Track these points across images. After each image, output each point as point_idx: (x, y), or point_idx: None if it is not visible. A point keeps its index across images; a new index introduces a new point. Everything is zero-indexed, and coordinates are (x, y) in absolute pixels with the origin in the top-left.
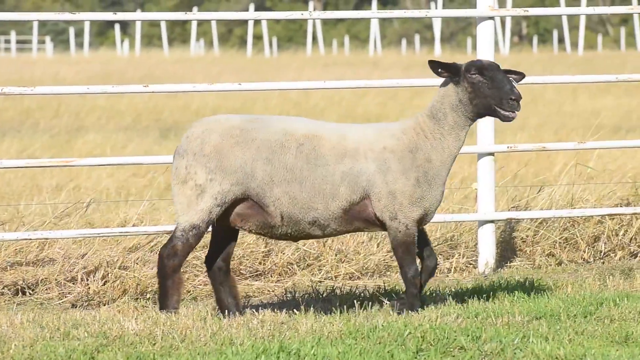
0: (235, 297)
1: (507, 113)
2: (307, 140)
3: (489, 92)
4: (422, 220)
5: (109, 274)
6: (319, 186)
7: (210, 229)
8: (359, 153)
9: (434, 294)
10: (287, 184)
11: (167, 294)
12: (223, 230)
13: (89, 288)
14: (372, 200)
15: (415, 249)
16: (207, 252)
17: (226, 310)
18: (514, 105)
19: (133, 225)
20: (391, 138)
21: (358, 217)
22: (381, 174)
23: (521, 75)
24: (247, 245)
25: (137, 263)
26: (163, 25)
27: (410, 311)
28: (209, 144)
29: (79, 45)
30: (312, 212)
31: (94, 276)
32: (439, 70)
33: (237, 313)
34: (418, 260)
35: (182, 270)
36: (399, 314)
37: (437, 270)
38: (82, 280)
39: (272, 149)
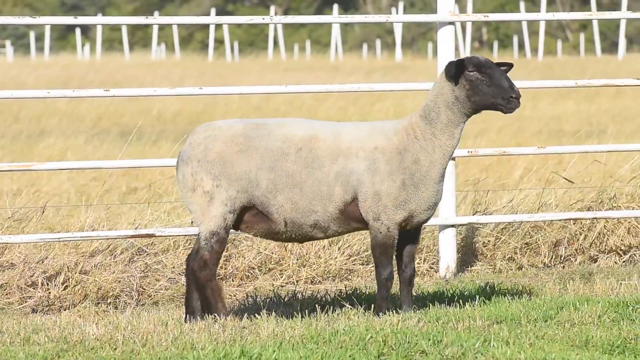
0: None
1: (507, 108)
2: (305, 144)
3: (488, 89)
4: (408, 222)
5: (70, 279)
6: (317, 188)
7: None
8: (352, 152)
9: (395, 299)
10: (289, 190)
11: (210, 303)
12: None
13: (50, 293)
14: (359, 199)
15: (393, 251)
16: (190, 251)
17: (190, 315)
18: (514, 102)
19: (93, 230)
20: (383, 138)
21: (353, 217)
22: (370, 173)
23: (510, 66)
24: None
25: (97, 267)
26: (124, 30)
27: (377, 313)
28: (212, 151)
29: (40, 49)
30: (313, 215)
31: (54, 281)
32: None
33: (200, 318)
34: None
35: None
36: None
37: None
38: (42, 285)
39: (274, 157)
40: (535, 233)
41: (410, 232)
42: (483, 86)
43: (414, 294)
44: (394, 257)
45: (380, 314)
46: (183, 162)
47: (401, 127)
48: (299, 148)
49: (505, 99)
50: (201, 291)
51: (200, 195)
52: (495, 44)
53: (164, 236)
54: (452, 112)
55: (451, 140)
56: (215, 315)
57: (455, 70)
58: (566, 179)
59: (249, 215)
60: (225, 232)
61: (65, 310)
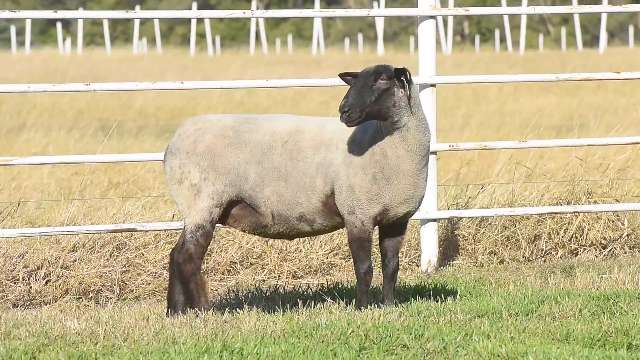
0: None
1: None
2: (291, 136)
3: None
4: (384, 216)
5: (51, 273)
6: (301, 180)
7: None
8: (332, 144)
9: (376, 293)
10: (275, 183)
11: (193, 297)
12: None
13: (31, 287)
14: (335, 192)
15: (370, 245)
16: (175, 245)
17: (172, 308)
18: (342, 117)
19: (74, 224)
20: (360, 131)
21: (335, 211)
22: (345, 166)
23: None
24: None
25: (78, 262)
26: (105, 24)
27: (358, 307)
28: (202, 143)
29: (21, 43)
30: (298, 207)
31: (35, 275)
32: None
33: (182, 312)
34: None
35: (202, 271)
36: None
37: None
38: (23, 280)
39: (262, 151)
40: (514, 226)
41: (394, 227)
42: None
43: (396, 288)
44: (379, 251)
45: (362, 308)
46: (171, 153)
47: (376, 121)
48: (285, 141)
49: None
50: (185, 285)
51: (187, 187)
52: (477, 38)
53: (146, 231)
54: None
55: (403, 142)
56: (198, 309)
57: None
58: (528, 167)
59: (236, 210)
60: (211, 226)
61: (46, 305)
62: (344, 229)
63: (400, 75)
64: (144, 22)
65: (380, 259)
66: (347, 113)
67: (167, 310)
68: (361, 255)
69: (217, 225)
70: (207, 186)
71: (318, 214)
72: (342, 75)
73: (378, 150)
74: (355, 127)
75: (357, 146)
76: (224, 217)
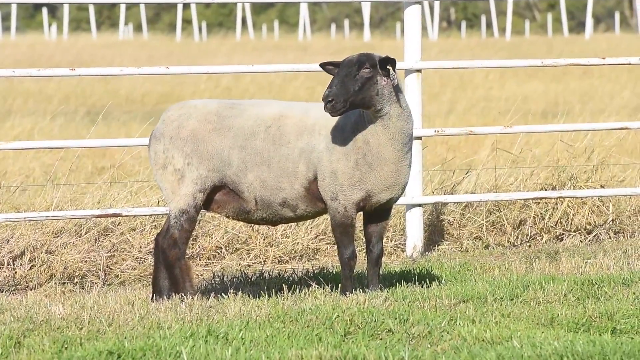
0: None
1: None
2: (274, 121)
3: None
4: (367, 202)
5: (36, 259)
6: (284, 165)
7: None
8: (315, 129)
9: (362, 278)
10: (257, 168)
11: (178, 282)
12: None
13: (16, 272)
14: (318, 178)
15: (353, 231)
16: (160, 230)
17: (157, 293)
18: (326, 107)
19: (59, 209)
20: (344, 117)
21: (318, 197)
22: (328, 152)
23: (391, 60)
24: None
25: (63, 247)
26: (91, 9)
27: (343, 292)
28: (185, 128)
29: (6, 29)
30: (281, 192)
31: (20, 260)
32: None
33: (167, 298)
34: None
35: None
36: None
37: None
38: (8, 265)
39: (245, 136)
40: (499, 211)
41: (378, 213)
42: None
43: (381, 273)
44: (364, 236)
45: (346, 293)
46: (155, 138)
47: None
48: (268, 126)
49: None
50: (170, 270)
51: (171, 173)
52: (463, 24)
53: (131, 216)
54: None
55: (385, 129)
56: (183, 294)
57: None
58: (510, 152)
59: (220, 195)
60: (195, 211)
61: (31, 290)
62: (328, 214)
63: (386, 64)
64: (130, 7)
65: (365, 244)
66: (332, 103)
67: (152, 296)
68: (344, 240)
69: (201, 211)
70: (191, 171)
71: (301, 200)
72: (324, 65)
73: (360, 137)
74: None
75: (339, 132)
76: (208, 202)
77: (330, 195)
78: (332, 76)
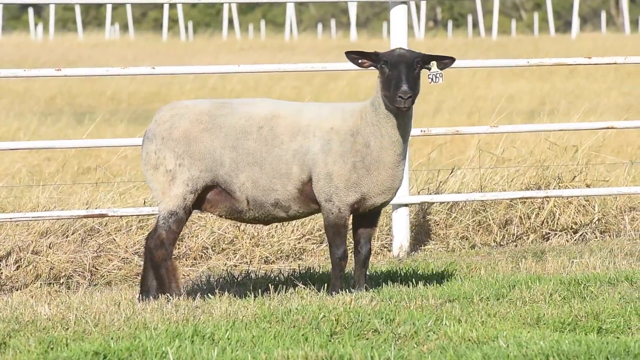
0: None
1: (397, 107)
2: (266, 122)
3: (388, 85)
4: (361, 205)
5: (22, 259)
6: (276, 166)
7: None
8: (309, 131)
9: (348, 278)
10: (249, 168)
11: (164, 282)
12: None
13: (1, 273)
14: (313, 179)
15: (346, 232)
16: (150, 230)
17: (144, 293)
18: (399, 101)
19: (45, 210)
20: (340, 119)
21: (312, 198)
22: (323, 154)
23: (451, 60)
24: None
25: (49, 248)
26: (77, 9)
27: (331, 292)
28: (177, 129)
29: None
30: (273, 193)
31: (6, 261)
32: (359, 61)
33: (153, 298)
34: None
35: (172, 256)
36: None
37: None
38: None
39: (236, 136)
40: (485, 211)
41: (368, 214)
42: (387, 81)
43: (368, 273)
44: (352, 237)
45: (334, 293)
46: (148, 139)
47: (357, 109)
48: (260, 126)
49: (395, 96)
50: (156, 270)
51: (162, 174)
52: (450, 24)
53: (117, 216)
54: (385, 103)
55: (394, 130)
56: (169, 295)
57: (368, 61)
58: (492, 154)
59: (212, 194)
60: (184, 212)
61: (17, 290)
62: (322, 214)
63: (429, 62)
64: (116, 7)
65: (353, 245)
66: (412, 99)
67: (139, 295)
68: (337, 240)
69: (195, 210)
70: (183, 172)
71: (293, 201)
72: (349, 53)
73: (360, 140)
74: (332, 114)
75: (335, 134)
76: (201, 202)
77: (324, 196)
78: (357, 65)
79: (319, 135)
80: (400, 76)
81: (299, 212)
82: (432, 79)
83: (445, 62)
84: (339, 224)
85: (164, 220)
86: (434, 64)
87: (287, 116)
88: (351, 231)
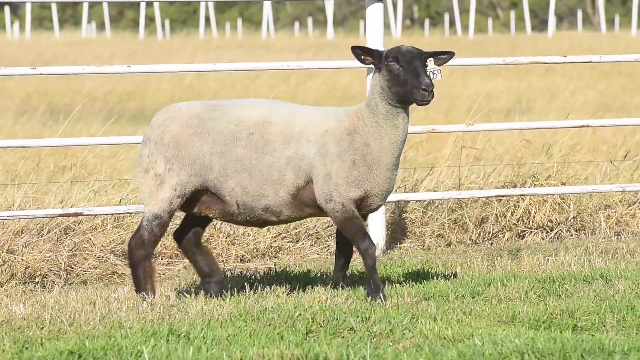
0: (212, 263)
1: (419, 100)
2: (257, 128)
3: (403, 80)
4: (363, 204)
5: None
6: (267, 173)
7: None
8: (303, 137)
9: (324, 276)
10: (238, 175)
11: (139, 282)
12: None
13: None
14: (314, 183)
15: (360, 221)
16: (177, 227)
17: (207, 278)
18: (424, 95)
19: (21, 209)
20: (334, 121)
21: (307, 203)
22: (320, 157)
23: (450, 54)
24: None
25: (25, 247)
26: (54, 7)
27: (371, 284)
28: (168, 134)
29: None
30: (263, 199)
31: None
32: (362, 57)
33: (217, 279)
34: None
35: (152, 258)
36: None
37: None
38: None
39: (225, 142)
40: (461, 209)
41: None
42: (399, 77)
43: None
44: (336, 238)
45: (373, 284)
46: (143, 143)
47: (353, 110)
48: (250, 132)
49: (416, 90)
50: (134, 269)
51: (152, 177)
52: (427, 22)
53: (92, 215)
54: (385, 102)
55: (395, 130)
56: (143, 294)
57: (370, 58)
58: (476, 149)
59: (206, 197)
60: (168, 216)
61: None
62: (330, 218)
63: (427, 59)
64: (92, 5)
65: (335, 246)
66: (433, 92)
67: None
68: (356, 235)
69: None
70: (172, 177)
71: (285, 206)
72: (355, 48)
73: (359, 139)
74: (325, 118)
75: (331, 136)
76: (195, 203)
77: (324, 197)
78: (359, 61)
79: (313, 140)
80: (417, 70)
81: (291, 216)
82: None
83: (443, 57)
84: (348, 217)
85: (148, 222)
86: (431, 60)
87: (279, 123)
88: (336, 234)
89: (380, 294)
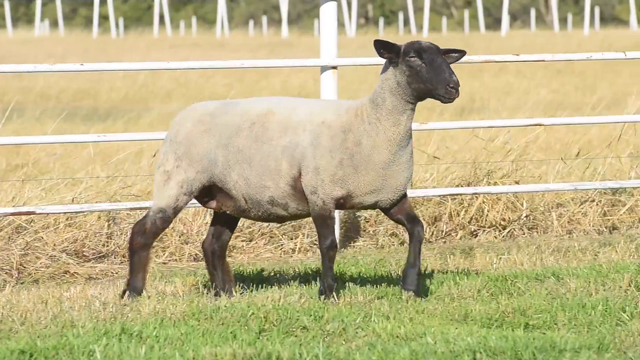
0: (228, 280)
1: (445, 98)
2: (259, 118)
3: (427, 77)
4: (347, 202)
5: None
6: (265, 163)
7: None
8: (300, 126)
9: (277, 275)
10: (239, 166)
11: (133, 269)
12: (223, 217)
13: None
14: (302, 173)
15: (332, 223)
16: (204, 237)
17: (221, 290)
18: (451, 92)
19: None
20: (333, 114)
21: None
22: (312, 148)
23: (462, 53)
24: (90, 226)
25: None
26: (7, 5)
27: (324, 283)
28: (182, 132)
29: None
30: (266, 190)
31: None
32: (381, 50)
33: (230, 292)
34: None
35: (150, 250)
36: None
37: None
38: None
39: (229, 134)
40: (416, 208)
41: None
42: (422, 73)
43: (297, 270)
44: (397, 225)
45: (326, 284)
46: (164, 142)
47: (353, 106)
48: (252, 122)
49: (442, 88)
50: (131, 255)
51: (161, 173)
52: (381, 21)
53: (45, 214)
54: (395, 98)
55: (396, 127)
56: (132, 283)
57: (388, 53)
58: (427, 154)
59: (220, 194)
60: (173, 212)
61: None
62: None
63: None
64: (46, 3)
65: (405, 231)
66: (459, 90)
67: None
68: (324, 231)
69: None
70: (179, 174)
71: (289, 198)
72: (378, 41)
73: (351, 137)
74: (325, 109)
75: (327, 128)
76: (210, 200)
77: (310, 189)
78: (379, 55)
79: (309, 129)
80: (443, 67)
81: (299, 209)
82: None
83: (454, 55)
84: (324, 215)
85: (153, 214)
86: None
87: (280, 112)
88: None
89: (332, 294)
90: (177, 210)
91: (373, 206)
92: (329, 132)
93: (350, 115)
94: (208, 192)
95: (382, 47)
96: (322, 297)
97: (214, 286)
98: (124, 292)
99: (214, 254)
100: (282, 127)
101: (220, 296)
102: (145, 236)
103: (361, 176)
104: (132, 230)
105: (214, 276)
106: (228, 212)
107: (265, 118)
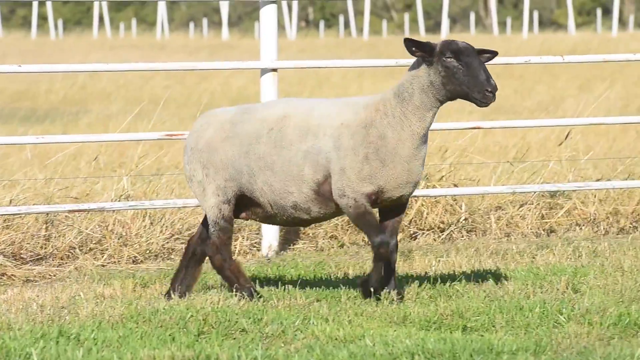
0: (188, 285)
1: (481, 102)
2: (277, 123)
3: (464, 79)
4: (379, 197)
5: None
6: (287, 169)
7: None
8: (320, 130)
9: (215, 277)
10: (262, 173)
11: (232, 281)
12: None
13: None
14: (332, 177)
15: (374, 218)
16: (194, 233)
17: (172, 291)
18: (489, 97)
19: None
20: (351, 113)
21: (330, 198)
22: (336, 150)
23: (493, 54)
24: (27, 228)
25: None
26: None
27: (369, 284)
28: (203, 139)
29: None
30: (290, 196)
31: None
32: (413, 49)
33: (184, 294)
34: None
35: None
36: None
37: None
38: None
39: (249, 141)
40: None
41: (393, 207)
42: (459, 75)
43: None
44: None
45: (371, 284)
46: (184, 151)
47: (372, 102)
48: (270, 128)
49: (480, 92)
50: (220, 273)
51: (196, 185)
52: (322, 24)
53: None
54: (426, 96)
55: (422, 122)
56: (242, 291)
57: (420, 51)
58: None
59: (249, 202)
60: (224, 221)
61: None
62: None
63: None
64: None
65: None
66: (495, 95)
67: (167, 293)
68: (369, 230)
69: (62, 210)
70: (210, 183)
71: (312, 202)
72: (409, 39)
73: (374, 132)
74: (343, 110)
75: (346, 128)
76: (241, 209)
77: (338, 192)
78: (410, 53)
79: (329, 133)
80: (481, 70)
81: (321, 213)
82: None
83: (486, 55)
84: (360, 212)
85: (212, 228)
86: None
87: (297, 116)
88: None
89: (372, 288)
90: (227, 219)
91: (399, 200)
92: (348, 131)
93: (370, 111)
94: (238, 202)
95: (414, 45)
96: (364, 296)
97: (171, 281)
98: (239, 294)
99: (194, 255)
100: (301, 132)
101: (171, 295)
102: (220, 252)
103: (389, 170)
104: (208, 255)
105: (179, 273)
106: (257, 219)
107: (282, 123)
